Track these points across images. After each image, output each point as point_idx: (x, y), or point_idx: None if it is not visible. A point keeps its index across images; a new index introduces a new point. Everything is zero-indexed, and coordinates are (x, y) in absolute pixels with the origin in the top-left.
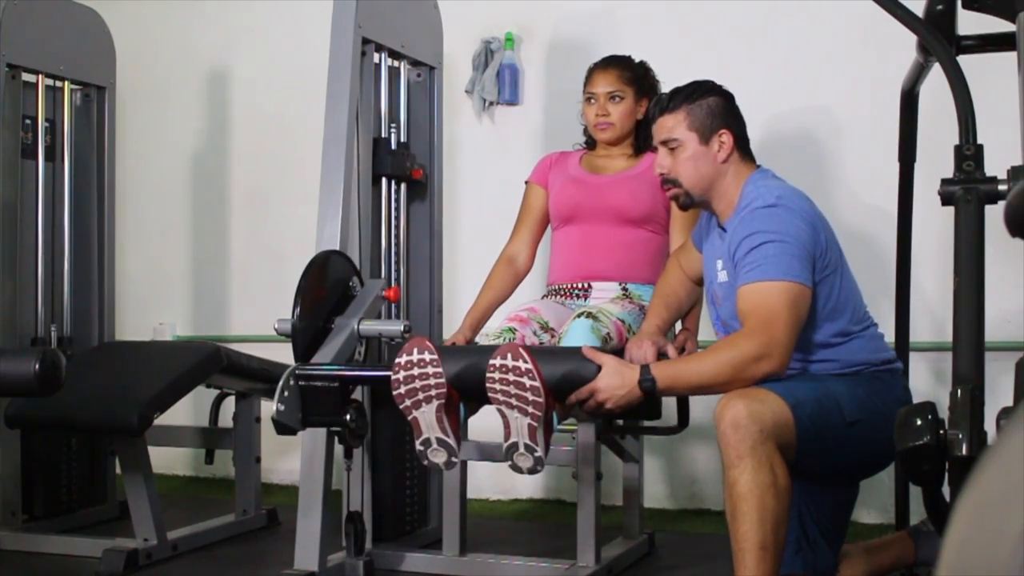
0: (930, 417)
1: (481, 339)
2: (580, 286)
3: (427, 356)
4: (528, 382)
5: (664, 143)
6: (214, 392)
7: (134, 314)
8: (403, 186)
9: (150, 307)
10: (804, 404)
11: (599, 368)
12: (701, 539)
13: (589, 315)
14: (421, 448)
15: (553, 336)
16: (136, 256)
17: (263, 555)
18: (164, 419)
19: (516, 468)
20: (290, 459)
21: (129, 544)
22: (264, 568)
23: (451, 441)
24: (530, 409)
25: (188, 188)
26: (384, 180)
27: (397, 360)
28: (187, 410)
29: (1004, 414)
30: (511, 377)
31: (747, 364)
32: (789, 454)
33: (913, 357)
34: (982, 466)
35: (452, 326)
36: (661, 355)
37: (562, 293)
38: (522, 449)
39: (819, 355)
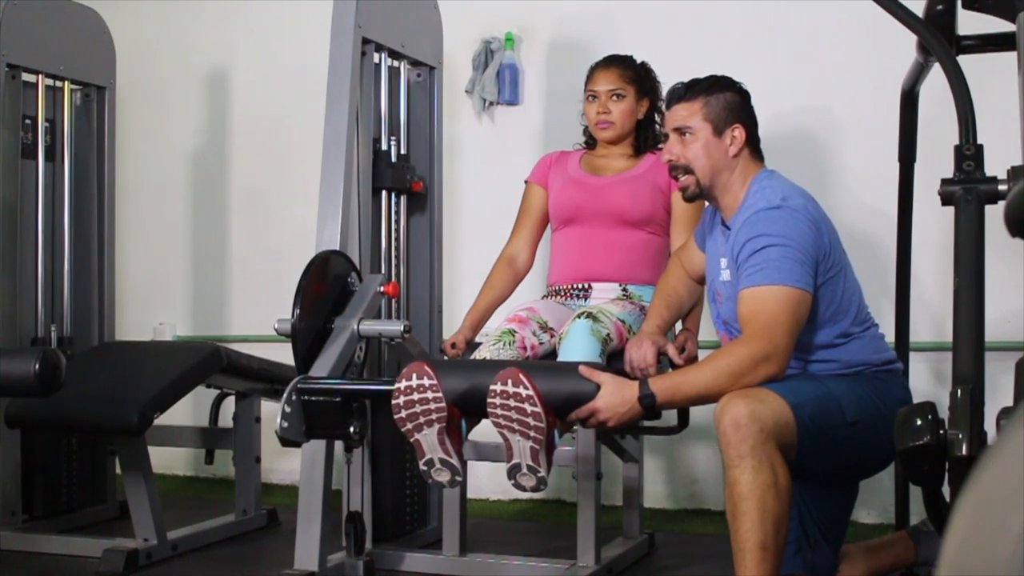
0: (930, 417)
1: (481, 339)
2: (580, 286)
3: (426, 381)
4: (529, 408)
5: (677, 130)
6: (214, 392)
7: (134, 314)
8: (403, 197)
9: (150, 307)
10: (805, 404)
11: (598, 387)
12: (701, 539)
13: (589, 315)
14: (424, 468)
15: (553, 336)
16: (136, 256)
17: (263, 555)
18: (164, 419)
19: (519, 487)
20: (290, 459)
21: (129, 544)
22: (264, 568)
23: (454, 461)
24: (532, 433)
25: (188, 188)
26: (384, 192)
27: (397, 385)
28: (187, 410)
29: (1004, 414)
30: (512, 403)
31: (746, 370)
32: (790, 454)
33: (913, 357)
34: (982, 466)
35: (452, 326)
36: (661, 355)
37: (562, 293)
38: (525, 470)
39: (820, 355)
